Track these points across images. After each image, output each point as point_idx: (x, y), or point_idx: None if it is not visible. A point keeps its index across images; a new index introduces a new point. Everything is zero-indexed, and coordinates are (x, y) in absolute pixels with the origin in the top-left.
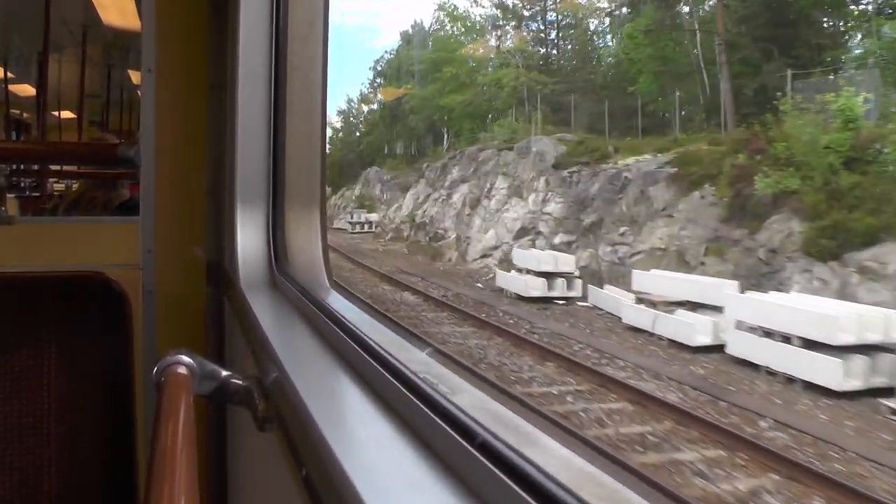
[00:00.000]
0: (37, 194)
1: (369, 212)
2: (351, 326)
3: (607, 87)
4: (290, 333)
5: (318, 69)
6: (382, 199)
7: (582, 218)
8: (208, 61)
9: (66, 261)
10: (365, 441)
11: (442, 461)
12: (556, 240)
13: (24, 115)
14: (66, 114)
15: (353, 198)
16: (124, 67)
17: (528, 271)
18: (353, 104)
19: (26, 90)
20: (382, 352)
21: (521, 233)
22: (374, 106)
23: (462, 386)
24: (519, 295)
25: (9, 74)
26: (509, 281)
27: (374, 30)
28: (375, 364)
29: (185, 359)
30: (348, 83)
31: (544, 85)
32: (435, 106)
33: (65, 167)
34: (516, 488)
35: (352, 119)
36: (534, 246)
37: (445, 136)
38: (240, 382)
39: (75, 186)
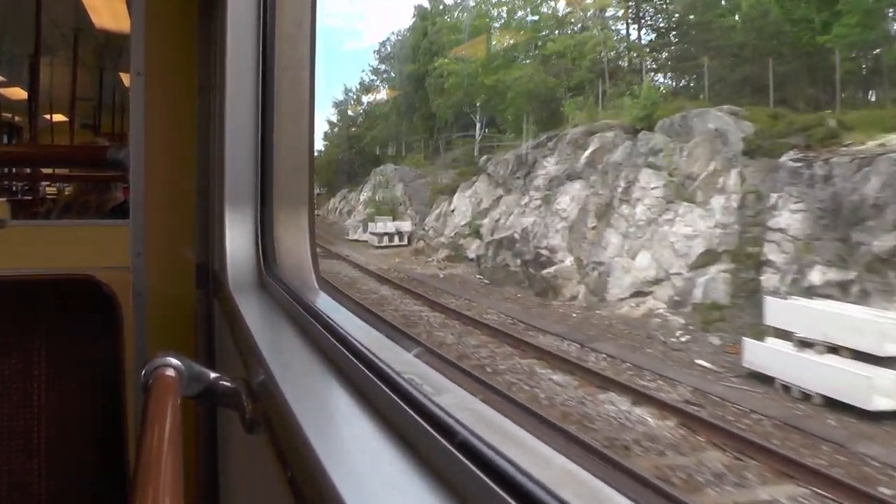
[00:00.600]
0: (29, 198)
1: (395, 219)
2: (337, 328)
3: (752, 45)
4: (277, 335)
5: (305, 70)
6: (408, 202)
7: (858, 239)
8: (197, 64)
9: (56, 264)
10: (349, 442)
11: (423, 460)
12: (814, 276)
13: (16, 118)
14: (58, 117)
15: (362, 201)
16: (116, 70)
17: (866, 356)
18: (351, 94)
19: (18, 93)
20: (368, 353)
21: (707, 258)
22: (381, 95)
23: (447, 386)
24: (857, 407)
25: (0, 78)
26: (816, 374)
27: (356, 32)
28: (360, 365)
29: (173, 361)
30: (329, 85)
31: (642, 50)
32: (478, 86)
33: (57, 170)
34: (494, 486)
35: (350, 112)
36: (752, 282)
37: (478, 123)
38: (228, 384)
39: (68, 190)
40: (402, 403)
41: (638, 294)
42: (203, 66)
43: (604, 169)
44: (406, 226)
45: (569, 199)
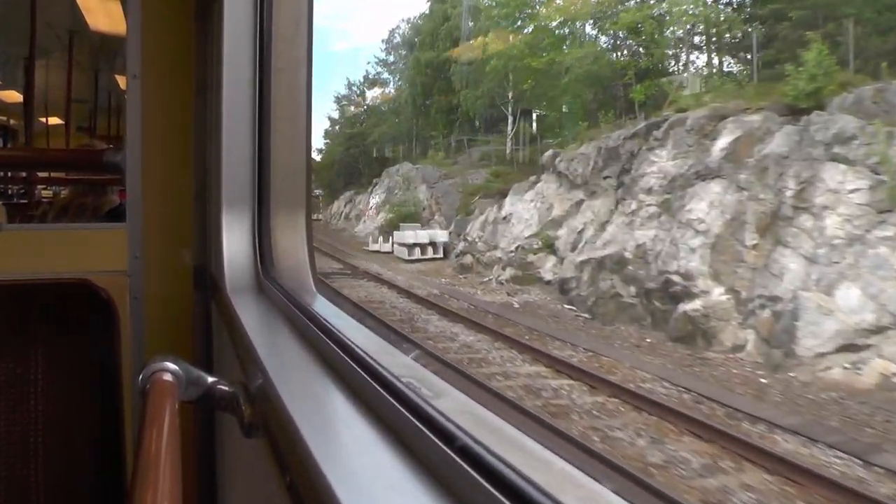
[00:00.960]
0: (24, 201)
1: (423, 226)
2: (335, 331)
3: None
4: (275, 339)
5: (302, 71)
6: (435, 207)
7: None
8: (194, 66)
9: (52, 268)
10: (348, 446)
11: (423, 465)
12: None
13: (11, 121)
14: (54, 119)
15: (374, 205)
16: (111, 72)
17: None
18: (354, 89)
19: (13, 96)
20: (366, 356)
21: None
22: (390, 89)
23: (445, 389)
24: None
25: None
26: None
27: (342, 31)
28: (359, 369)
29: (171, 365)
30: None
31: (737, 20)
32: (522, 69)
33: (53, 174)
34: (494, 491)
35: (353, 109)
36: None
37: (510, 116)
38: (226, 388)
39: (64, 193)
40: (400, 407)
41: (849, 348)
42: (199, 68)
43: (760, 164)
44: (441, 235)
45: (705, 206)
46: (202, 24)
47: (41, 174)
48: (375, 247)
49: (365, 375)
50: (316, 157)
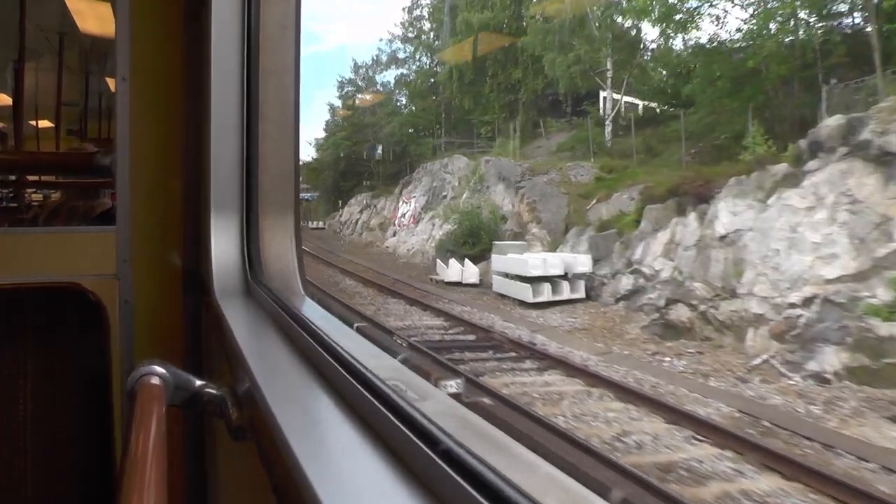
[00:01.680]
0: (14, 205)
1: (528, 245)
2: (322, 335)
3: None
4: (262, 342)
5: (290, 74)
6: (529, 216)
7: None
8: (183, 69)
9: (42, 272)
10: (333, 450)
11: (407, 468)
12: None
13: (0, 124)
14: (44, 123)
15: (409, 213)
16: (102, 75)
17: None
18: (361, 72)
19: (2, 99)
20: (352, 360)
21: None
22: (407, 71)
23: (431, 392)
24: None
25: None
26: None
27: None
28: (345, 373)
29: (158, 369)
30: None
31: None
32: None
33: (43, 177)
34: (477, 495)
35: (361, 96)
36: None
37: (607, 91)
38: (214, 392)
39: (54, 196)
40: (385, 411)
41: None
42: (189, 70)
43: None
44: (580, 262)
45: None
46: (191, 27)
47: (31, 177)
48: (452, 276)
49: (351, 379)
50: (315, 153)
